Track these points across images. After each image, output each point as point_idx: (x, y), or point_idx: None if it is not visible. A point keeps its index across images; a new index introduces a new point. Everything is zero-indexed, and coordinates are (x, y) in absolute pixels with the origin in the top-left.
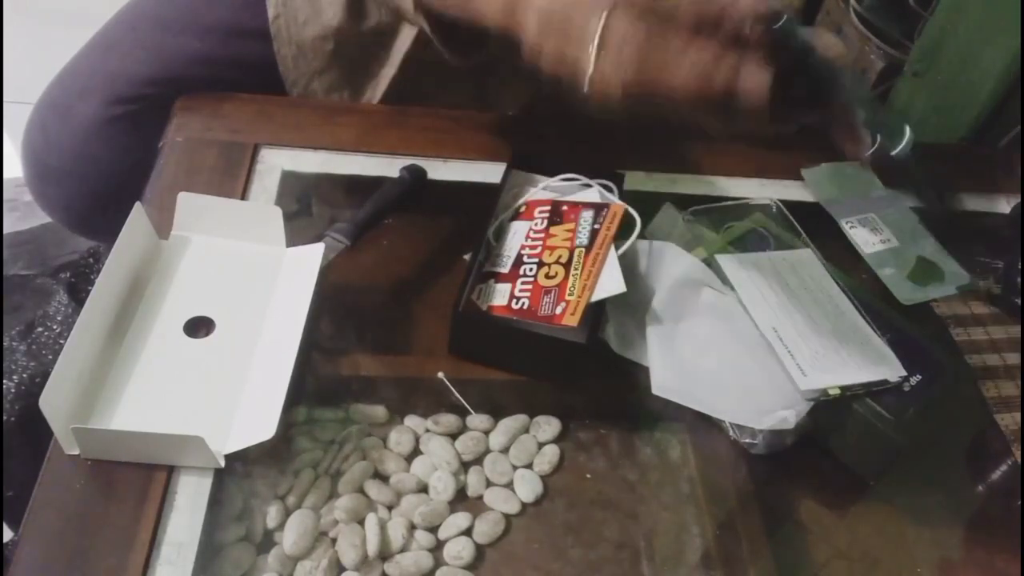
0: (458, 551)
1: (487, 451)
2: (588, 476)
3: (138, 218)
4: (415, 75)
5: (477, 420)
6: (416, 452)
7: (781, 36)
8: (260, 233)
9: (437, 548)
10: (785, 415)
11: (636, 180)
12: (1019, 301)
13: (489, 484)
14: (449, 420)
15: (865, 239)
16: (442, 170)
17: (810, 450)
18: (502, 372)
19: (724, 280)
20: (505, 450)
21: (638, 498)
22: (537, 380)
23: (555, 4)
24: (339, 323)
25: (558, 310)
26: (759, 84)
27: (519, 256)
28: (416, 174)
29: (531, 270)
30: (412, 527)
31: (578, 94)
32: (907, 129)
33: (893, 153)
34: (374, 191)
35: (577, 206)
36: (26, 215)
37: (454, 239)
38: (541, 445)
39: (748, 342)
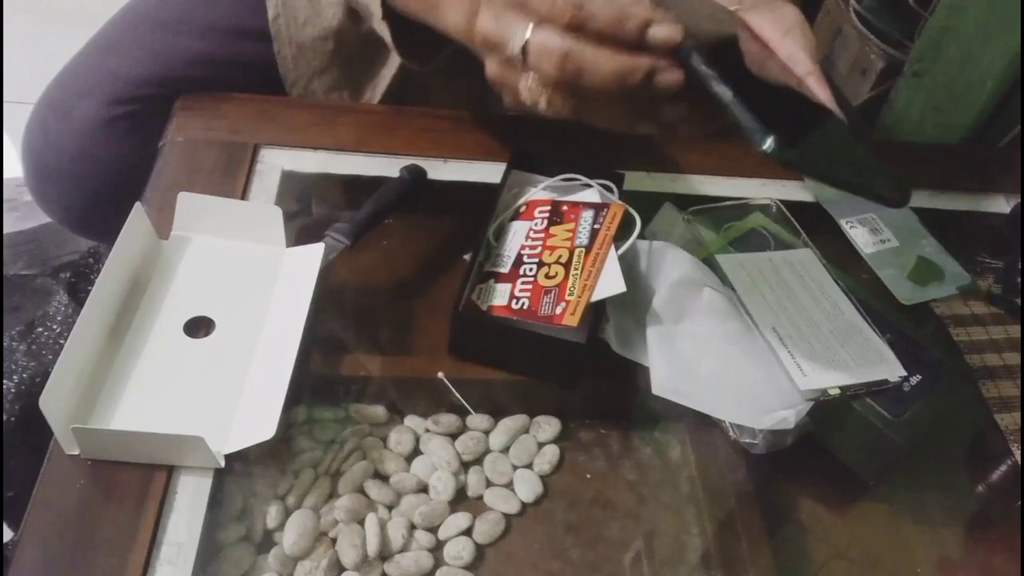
0: (458, 551)
1: (487, 451)
2: (588, 476)
3: (138, 218)
4: (415, 75)
5: (477, 420)
6: (416, 452)
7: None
8: (260, 233)
9: (437, 548)
10: (785, 415)
11: (636, 180)
12: (1019, 301)
13: (489, 484)
14: (449, 420)
15: (865, 239)
16: (442, 170)
17: (810, 450)
18: (502, 372)
19: (724, 280)
20: (505, 450)
21: (638, 498)
22: (537, 380)
23: (489, 23)
24: (339, 323)
25: (558, 310)
26: (675, 77)
27: (519, 256)
28: (416, 174)
29: (531, 270)
30: (412, 527)
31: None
32: (770, 139)
33: (758, 151)
34: (374, 191)
35: (577, 206)
36: (26, 215)
37: (454, 239)
38: (541, 445)
39: (748, 342)
